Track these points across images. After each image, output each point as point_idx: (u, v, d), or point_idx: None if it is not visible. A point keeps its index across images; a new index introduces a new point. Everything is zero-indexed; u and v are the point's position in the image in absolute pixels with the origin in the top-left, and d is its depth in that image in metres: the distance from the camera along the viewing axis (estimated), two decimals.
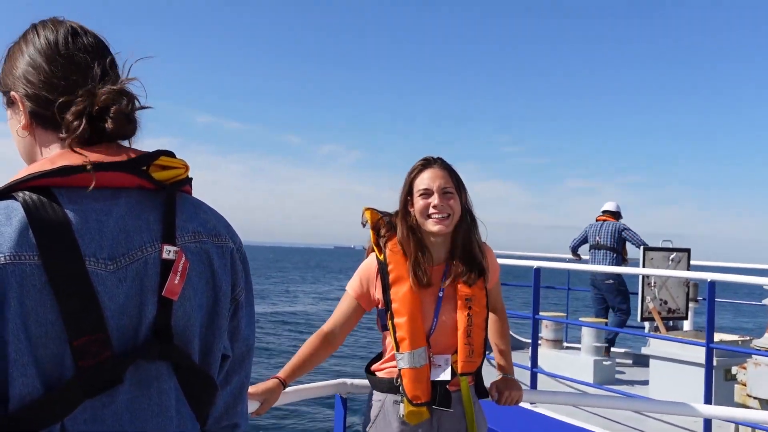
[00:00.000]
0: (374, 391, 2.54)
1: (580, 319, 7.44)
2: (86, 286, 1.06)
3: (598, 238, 8.24)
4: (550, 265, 6.04)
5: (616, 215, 8.34)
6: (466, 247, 2.52)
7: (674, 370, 5.59)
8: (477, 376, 2.55)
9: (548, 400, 3.02)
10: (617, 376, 6.72)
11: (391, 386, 2.47)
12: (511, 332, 8.47)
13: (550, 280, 10.93)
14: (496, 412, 5.43)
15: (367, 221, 2.61)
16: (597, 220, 8.40)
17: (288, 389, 2.44)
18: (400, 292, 2.45)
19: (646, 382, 6.12)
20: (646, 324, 7.22)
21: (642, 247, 6.77)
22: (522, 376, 6.43)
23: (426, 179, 2.47)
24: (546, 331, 7.02)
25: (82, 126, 1.14)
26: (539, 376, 5.53)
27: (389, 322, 2.45)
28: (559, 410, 5.15)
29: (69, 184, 1.11)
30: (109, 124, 1.15)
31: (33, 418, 1.03)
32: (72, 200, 1.10)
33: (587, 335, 6.62)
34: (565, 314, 7.95)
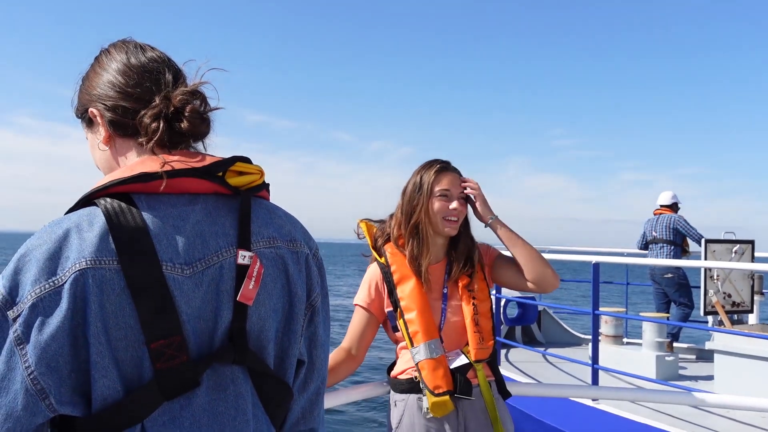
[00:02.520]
0: (396, 394, 2.55)
1: (641, 314, 7.32)
2: (163, 291, 1.09)
3: (654, 233, 8.10)
4: (609, 260, 5.94)
5: (672, 207, 8.20)
6: (463, 244, 2.62)
7: (740, 364, 5.45)
8: (496, 374, 2.58)
9: (610, 396, 2.99)
10: (680, 371, 6.58)
11: (411, 385, 2.49)
12: (569, 328, 8.35)
13: (609, 275, 10.77)
14: (556, 410, 5.41)
15: (363, 233, 2.70)
16: (654, 214, 8.27)
17: (338, 390, 2.48)
18: (407, 289, 2.51)
19: (710, 378, 5.99)
20: (710, 318, 7.05)
21: (703, 240, 6.62)
22: (582, 372, 6.43)
23: (447, 182, 2.57)
24: (606, 327, 6.92)
25: (161, 127, 1.18)
26: (600, 372, 5.46)
27: (400, 321, 2.50)
28: (620, 406, 5.08)
29: (147, 191, 1.15)
30: (184, 124, 1.19)
31: (114, 418, 1.07)
32: (150, 206, 1.13)
33: (648, 330, 6.51)
34: (624, 309, 7.82)
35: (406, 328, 2.47)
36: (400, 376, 2.54)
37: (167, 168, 1.14)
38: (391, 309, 2.54)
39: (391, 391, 2.57)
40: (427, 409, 2.40)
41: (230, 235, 1.18)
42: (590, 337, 5.84)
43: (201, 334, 1.13)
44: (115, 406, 1.07)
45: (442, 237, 2.58)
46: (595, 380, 5.29)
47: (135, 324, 1.07)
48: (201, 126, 1.22)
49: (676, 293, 7.85)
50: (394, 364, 2.64)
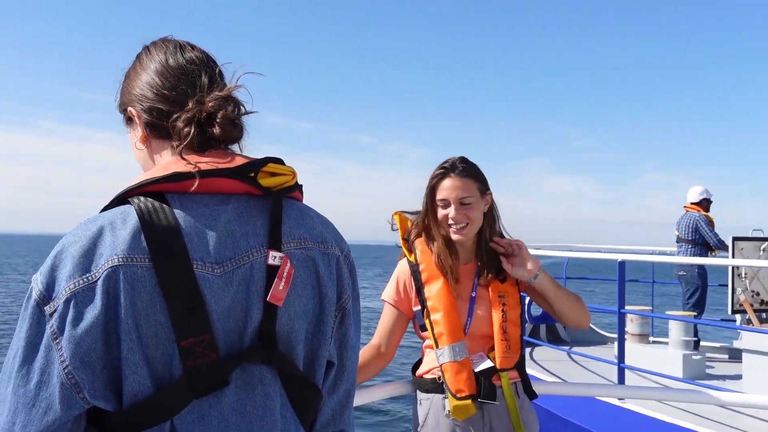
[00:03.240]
0: (420, 392, 2.54)
1: (667, 312, 7.25)
2: (193, 289, 1.09)
3: (677, 231, 8.01)
4: (635, 258, 5.89)
5: (701, 204, 8.06)
6: (487, 246, 2.53)
7: None
8: (522, 374, 2.54)
9: (637, 396, 2.97)
10: (708, 371, 6.52)
11: (435, 386, 2.48)
12: (594, 327, 8.29)
13: (634, 274, 10.67)
14: (582, 409, 5.38)
15: (397, 225, 2.65)
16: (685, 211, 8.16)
17: (362, 389, 2.48)
18: (434, 289, 2.47)
19: (738, 377, 5.92)
20: (738, 317, 6.97)
21: (731, 237, 6.54)
22: (608, 371, 6.37)
23: (445, 189, 2.48)
24: (631, 326, 6.87)
25: (192, 132, 1.19)
26: (626, 371, 5.42)
27: (426, 321, 2.47)
28: (647, 406, 5.04)
29: (181, 190, 1.16)
30: (216, 129, 1.20)
31: (145, 414, 1.08)
32: (183, 205, 1.15)
33: (675, 329, 6.45)
34: (650, 308, 7.75)
35: (432, 329, 2.45)
36: (425, 376, 2.54)
37: (197, 169, 1.15)
38: (419, 308, 2.51)
39: (417, 389, 2.57)
40: (449, 411, 2.39)
41: (261, 236, 1.19)
42: (616, 335, 5.80)
43: (231, 334, 1.13)
44: (146, 402, 1.08)
45: (466, 240, 2.52)
46: (621, 379, 5.25)
47: (165, 321, 1.08)
48: (233, 132, 1.22)
49: (687, 293, 7.77)
50: (419, 362, 2.64)
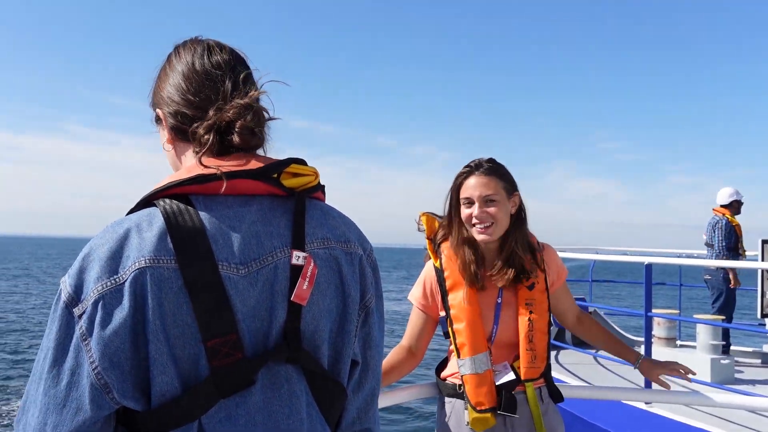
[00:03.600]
0: (443, 395, 2.53)
1: (695, 315, 7.16)
2: (219, 290, 1.11)
3: (704, 235, 7.86)
4: (661, 261, 5.83)
5: (731, 207, 7.83)
6: (509, 248, 2.46)
7: None
8: (547, 379, 2.50)
9: (664, 400, 2.94)
10: (737, 375, 6.42)
11: (456, 392, 2.46)
12: (621, 330, 8.22)
13: (661, 277, 10.56)
14: (608, 413, 5.33)
15: (423, 227, 2.60)
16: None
17: (385, 391, 2.48)
18: (458, 298, 2.42)
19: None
20: (767, 321, 6.87)
21: (760, 240, 6.44)
22: (634, 374, 6.30)
23: (469, 188, 2.43)
24: (659, 329, 6.79)
25: (211, 140, 1.20)
26: None
27: (449, 329, 2.44)
28: (675, 410, 4.98)
29: (205, 192, 1.18)
30: (235, 138, 1.21)
31: (173, 414, 1.09)
32: (207, 207, 1.16)
33: (703, 333, 6.36)
34: (678, 311, 7.66)
35: (454, 338, 2.42)
36: (448, 379, 2.52)
37: (221, 170, 1.17)
38: (443, 314, 2.47)
39: (440, 390, 2.56)
40: (468, 423, 2.37)
41: (284, 236, 1.20)
42: (643, 339, 5.74)
43: (256, 333, 1.15)
44: (174, 402, 1.09)
45: (492, 242, 2.46)
46: (648, 383, 5.20)
47: (192, 322, 1.09)
48: (251, 140, 1.23)
49: (712, 297, 7.65)
50: (445, 361, 2.62)
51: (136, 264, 1.08)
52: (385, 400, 2.46)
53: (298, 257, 1.18)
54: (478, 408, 2.35)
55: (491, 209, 2.41)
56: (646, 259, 5.34)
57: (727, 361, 6.27)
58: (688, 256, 8.46)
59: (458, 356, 2.41)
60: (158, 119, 1.33)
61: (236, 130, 1.21)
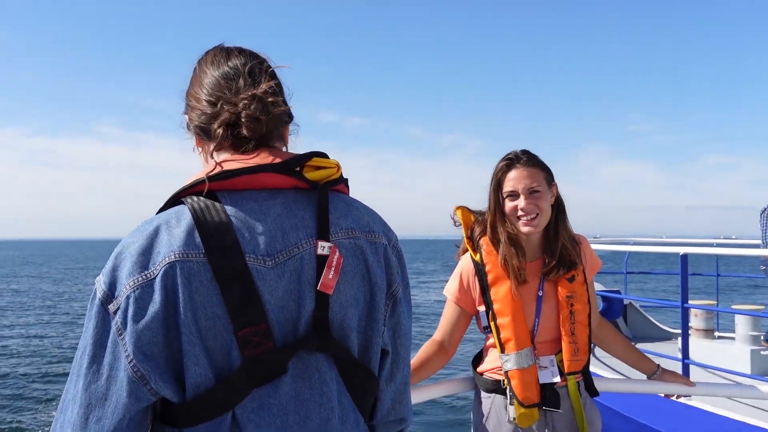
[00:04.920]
0: (481, 389, 2.50)
1: (733, 306, 7.03)
2: (247, 281, 1.14)
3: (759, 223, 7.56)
4: (698, 251, 5.71)
5: None
6: (558, 240, 2.44)
7: None
8: (585, 373, 2.48)
9: (704, 392, 2.87)
10: None
11: (497, 387, 2.43)
12: (657, 322, 8.08)
13: (696, 265, 10.38)
14: (646, 407, 5.25)
15: (459, 221, 2.57)
16: None
17: (421, 386, 2.45)
18: (501, 292, 2.40)
19: None
20: None
21: None
22: (672, 367, 6.13)
23: (512, 180, 2.41)
24: (696, 321, 6.67)
25: (221, 133, 1.26)
26: (691, 367, 5.26)
27: (491, 324, 2.41)
28: (714, 403, 4.88)
29: (230, 188, 1.22)
30: (243, 129, 1.25)
31: (207, 405, 1.13)
32: (233, 202, 1.20)
33: (741, 323, 6.23)
34: (715, 302, 7.52)
35: (498, 333, 2.39)
36: (486, 374, 2.50)
37: (245, 166, 1.21)
38: (483, 308, 2.45)
39: (477, 385, 2.53)
40: (514, 418, 2.35)
41: (309, 227, 1.23)
42: (680, 331, 5.64)
43: (285, 323, 1.18)
44: (208, 393, 1.13)
45: (532, 235, 2.44)
46: (685, 375, 5.11)
47: (222, 314, 1.13)
48: (258, 129, 1.25)
49: None
50: (479, 354, 2.59)
51: (166, 259, 1.12)
52: (419, 395, 2.45)
53: (323, 247, 1.21)
54: (525, 403, 2.33)
55: (536, 201, 2.39)
56: (682, 249, 5.25)
57: (767, 352, 6.13)
58: (726, 240, 8.25)
59: (502, 351, 2.39)
60: (188, 124, 1.38)
61: (242, 120, 1.24)
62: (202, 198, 1.19)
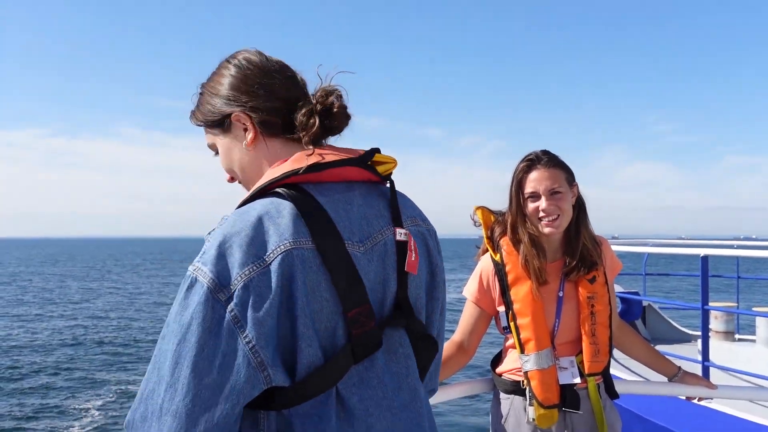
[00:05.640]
0: (500, 391, 2.50)
1: (754, 308, 6.96)
2: (351, 266, 1.24)
3: None
4: (718, 252, 5.66)
5: None
6: (579, 241, 2.43)
7: None
8: (605, 375, 2.46)
9: (726, 395, 2.84)
10: None
11: (517, 388, 2.43)
12: (676, 324, 8.01)
13: (716, 267, 10.29)
14: (666, 410, 5.21)
15: (479, 221, 2.57)
16: None
17: (440, 386, 2.45)
18: (521, 293, 2.39)
19: None
20: None
21: None
22: (692, 369, 6.07)
23: (533, 181, 2.40)
24: (716, 323, 6.61)
25: (317, 123, 1.32)
26: (711, 370, 5.22)
27: (511, 324, 2.40)
28: (735, 406, 4.84)
29: (315, 180, 1.29)
30: (334, 120, 1.35)
31: (317, 383, 1.20)
32: (321, 193, 1.27)
33: (762, 326, 6.17)
34: (736, 304, 7.45)
35: (518, 333, 2.39)
36: (505, 375, 2.49)
37: (330, 159, 1.29)
38: (503, 309, 2.44)
39: (496, 386, 2.53)
40: (533, 419, 2.35)
41: (386, 216, 1.35)
42: (699, 333, 5.59)
43: (377, 304, 1.28)
44: (317, 372, 1.20)
45: (557, 234, 2.43)
46: (706, 378, 5.05)
47: (330, 297, 1.21)
48: (345, 120, 1.37)
49: None
50: (499, 355, 2.59)
51: (281, 247, 1.17)
52: (438, 396, 2.44)
53: (400, 234, 1.33)
54: (545, 404, 2.32)
55: (558, 202, 2.38)
56: (702, 251, 5.20)
57: None
58: (747, 240, 8.16)
59: (522, 352, 2.38)
60: (226, 125, 1.39)
61: (334, 111, 1.34)
62: (292, 190, 1.25)
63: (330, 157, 1.29)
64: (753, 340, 6.51)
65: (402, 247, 1.32)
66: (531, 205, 2.41)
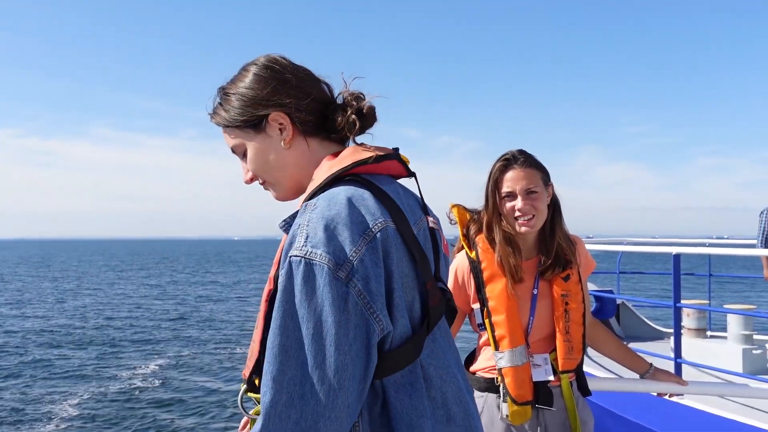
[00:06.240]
0: (474, 389, 2.50)
1: (725, 305, 7.06)
2: (419, 244, 1.34)
3: None
4: (690, 251, 5.73)
5: None
6: (554, 239, 2.47)
7: None
8: (578, 373, 2.50)
9: (696, 391, 2.88)
10: None
11: (491, 386, 2.45)
12: (650, 322, 8.10)
13: (688, 265, 10.41)
14: (639, 406, 5.27)
15: (455, 219, 2.59)
16: None
17: None
18: (496, 290, 2.41)
19: None
20: None
21: None
22: (664, 366, 6.12)
23: (509, 181, 2.43)
24: (688, 320, 6.70)
25: (357, 123, 1.43)
26: (684, 366, 5.29)
27: (485, 321, 2.42)
28: (707, 402, 4.90)
29: (372, 171, 1.39)
30: (366, 120, 1.45)
31: (408, 353, 1.29)
32: (379, 182, 1.37)
33: (733, 323, 6.26)
34: (708, 301, 7.55)
35: (492, 330, 2.41)
36: (479, 373, 2.51)
37: (379, 154, 1.40)
38: (478, 306, 2.46)
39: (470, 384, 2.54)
40: (507, 416, 2.37)
41: (418, 206, 1.48)
42: (672, 330, 5.66)
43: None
44: (408, 342, 1.29)
45: (532, 233, 2.46)
46: (678, 375, 5.12)
47: (409, 271, 1.31)
48: (374, 121, 1.47)
49: None
50: (472, 354, 2.60)
51: (378, 224, 1.26)
52: None
53: (431, 221, 1.49)
54: (519, 401, 2.34)
55: (534, 202, 2.41)
56: (674, 249, 5.27)
57: (759, 351, 6.16)
58: (718, 239, 8.28)
59: (496, 349, 2.40)
60: (262, 125, 1.44)
61: (366, 111, 1.44)
62: (359, 180, 1.35)
63: (380, 153, 1.40)
64: (724, 337, 6.60)
65: (433, 233, 1.47)
66: (507, 205, 2.43)
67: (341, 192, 1.29)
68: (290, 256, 1.22)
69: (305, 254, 1.20)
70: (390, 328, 1.24)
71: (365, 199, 1.29)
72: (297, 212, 1.33)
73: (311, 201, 1.30)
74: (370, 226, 1.25)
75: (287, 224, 1.34)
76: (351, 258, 1.21)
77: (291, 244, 1.24)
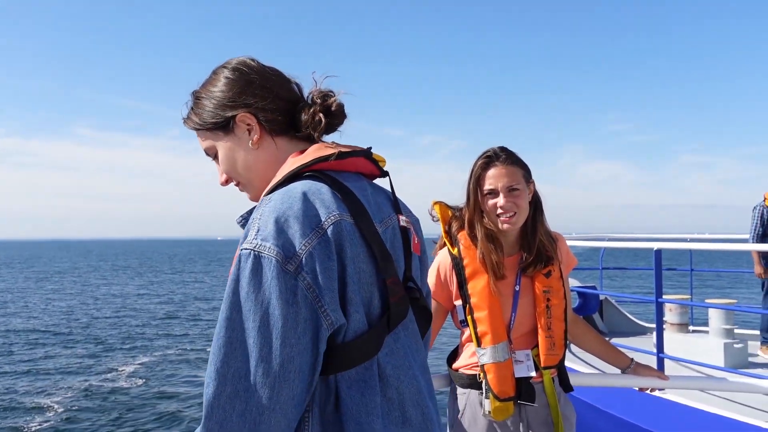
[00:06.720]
0: (457, 386, 2.53)
1: (706, 300, 7.12)
2: (381, 241, 1.33)
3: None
4: (671, 246, 5.78)
5: None
6: (535, 236, 2.48)
7: None
8: (560, 368, 2.51)
9: (678, 386, 2.91)
10: (751, 359, 6.39)
11: (473, 382, 2.45)
12: (632, 317, 8.14)
13: (670, 261, 10.49)
14: (621, 401, 5.31)
15: (437, 216, 2.60)
16: None
17: None
18: (478, 286, 2.42)
19: None
20: None
21: None
22: (647, 361, 6.17)
23: (491, 178, 2.43)
24: (670, 315, 6.76)
25: (323, 121, 1.43)
26: (666, 361, 5.34)
27: (468, 317, 2.43)
28: (688, 396, 4.96)
29: (336, 168, 1.38)
30: (334, 118, 1.46)
31: (363, 349, 1.28)
32: (343, 179, 1.36)
33: (715, 317, 6.33)
34: (689, 296, 7.62)
35: (474, 327, 2.41)
36: (462, 370, 2.52)
37: (342, 150, 1.38)
38: (460, 303, 2.47)
39: (452, 381, 2.56)
40: (489, 412, 2.37)
41: (389, 205, 1.48)
42: (654, 325, 5.71)
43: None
44: (362, 337, 1.27)
45: (514, 230, 2.47)
46: (660, 369, 5.17)
47: (367, 267, 1.29)
48: (343, 118, 1.48)
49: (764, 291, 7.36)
50: (455, 351, 2.62)
51: (331, 218, 1.25)
52: None
53: (403, 220, 1.47)
54: (501, 397, 2.35)
55: (515, 199, 2.42)
56: (656, 245, 5.31)
57: (739, 346, 6.24)
58: (698, 240, 8.37)
59: (478, 345, 2.41)
60: (230, 126, 1.45)
61: (334, 110, 1.45)
62: (320, 175, 1.33)
63: (345, 150, 1.39)
64: (706, 332, 6.67)
65: (404, 232, 1.46)
66: (489, 202, 2.44)
67: (297, 186, 1.29)
68: (240, 249, 1.22)
69: (254, 247, 1.20)
70: (341, 322, 1.23)
71: (322, 193, 1.28)
72: (254, 207, 1.33)
73: (268, 195, 1.30)
74: (323, 220, 1.24)
75: (244, 219, 1.34)
76: (300, 251, 1.19)
77: (245, 237, 1.24)
